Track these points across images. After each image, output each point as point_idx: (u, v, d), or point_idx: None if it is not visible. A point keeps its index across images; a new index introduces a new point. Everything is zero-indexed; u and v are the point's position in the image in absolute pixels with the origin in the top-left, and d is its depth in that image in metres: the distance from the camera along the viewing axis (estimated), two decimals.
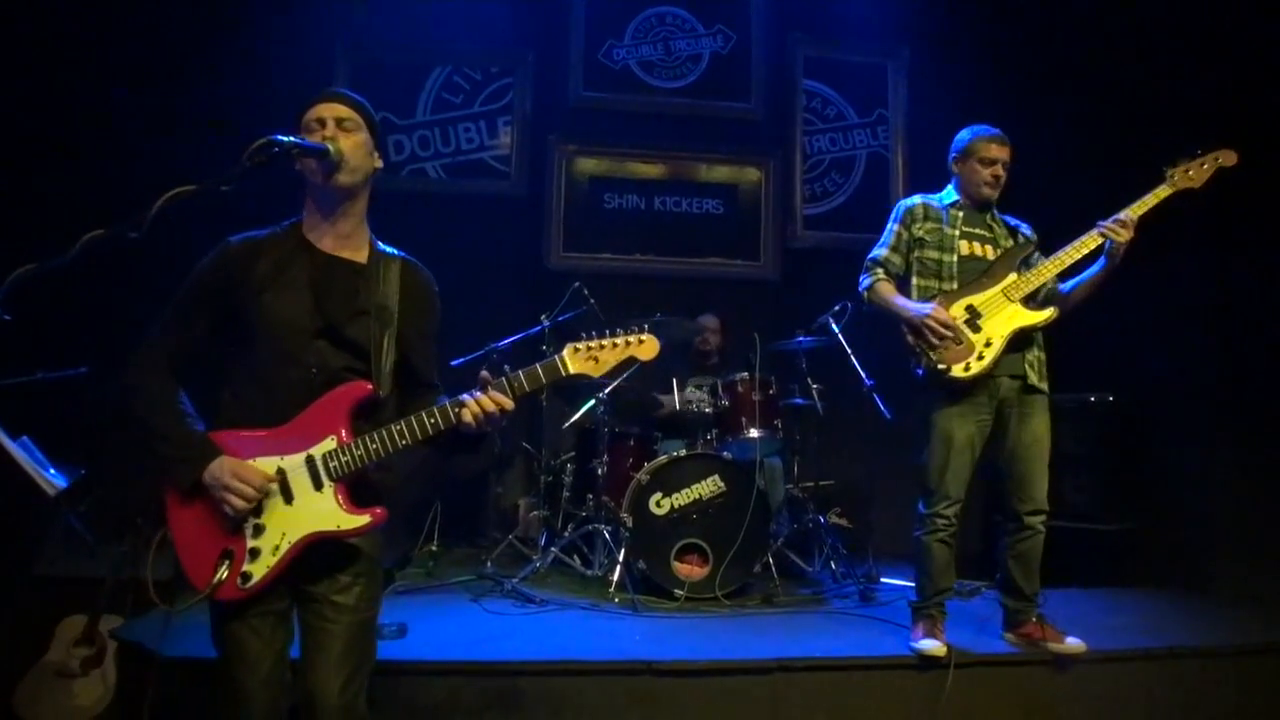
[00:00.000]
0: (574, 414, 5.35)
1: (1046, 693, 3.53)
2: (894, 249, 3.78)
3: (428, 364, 2.39)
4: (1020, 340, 3.58)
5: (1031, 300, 3.59)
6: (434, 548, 5.38)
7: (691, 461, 4.65)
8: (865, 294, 3.78)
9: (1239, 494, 4.91)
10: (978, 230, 3.73)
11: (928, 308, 3.54)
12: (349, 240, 2.28)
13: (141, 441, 2.14)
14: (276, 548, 2.10)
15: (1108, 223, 3.48)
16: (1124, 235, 3.45)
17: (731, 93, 6.81)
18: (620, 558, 4.56)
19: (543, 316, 5.27)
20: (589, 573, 4.91)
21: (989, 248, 3.70)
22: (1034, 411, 3.64)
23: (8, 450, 3.46)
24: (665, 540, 4.49)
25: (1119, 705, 3.56)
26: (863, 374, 4.88)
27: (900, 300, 3.66)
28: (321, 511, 2.12)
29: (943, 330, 3.49)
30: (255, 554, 2.09)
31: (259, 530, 2.11)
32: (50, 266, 1.81)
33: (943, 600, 3.69)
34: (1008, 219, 3.83)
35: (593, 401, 5.12)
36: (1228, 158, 3.51)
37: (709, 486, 4.58)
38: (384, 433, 2.13)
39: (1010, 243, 3.73)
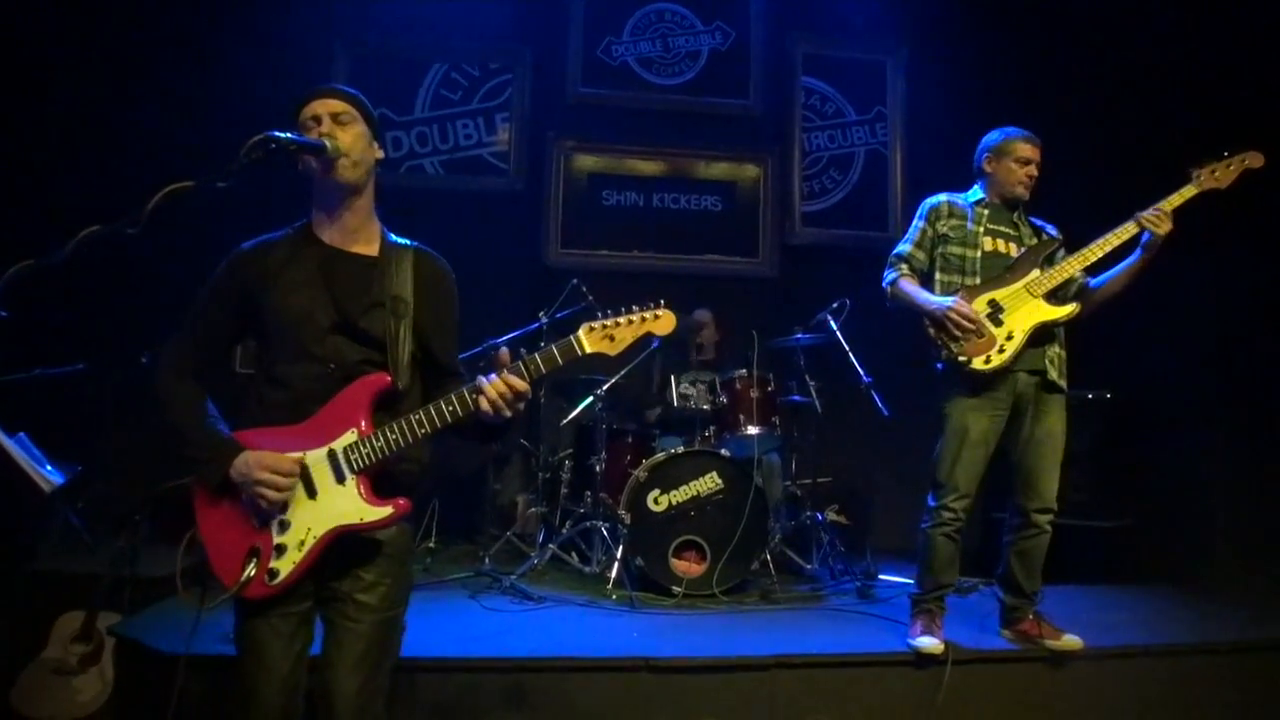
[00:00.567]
0: (572, 411, 5.35)
1: (1043, 689, 3.54)
2: (918, 245, 3.79)
3: (449, 352, 2.38)
4: (1042, 335, 3.58)
5: (1054, 296, 3.59)
6: (432, 544, 5.38)
7: (689, 458, 4.65)
8: (889, 288, 3.78)
9: (1235, 491, 4.93)
10: (1002, 228, 3.73)
11: (951, 300, 3.55)
12: (359, 234, 2.27)
13: (172, 447, 2.16)
14: (302, 543, 2.10)
15: (1147, 212, 3.46)
16: (1164, 226, 3.43)
17: (730, 90, 6.81)
18: (618, 554, 4.57)
19: (541, 313, 5.26)
20: (587, 569, 4.92)
21: (1012, 245, 3.71)
22: (1051, 409, 3.64)
23: (4, 447, 3.45)
24: (663, 537, 4.50)
25: (1115, 702, 3.56)
26: (861, 371, 4.88)
27: (923, 294, 3.67)
28: (345, 505, 2.11)
29: (965, 323, 3.50)
30: (281, 550, 2.10)
31: (284, 526, 2.11)
32: (47, 263, 1.81)
33: (943, 595, 3.69)
34: (1033, 220, 3.83)
35: (591, 398, 5.12)
36: (1254, 160, 3.47)
37: (707, 483, 4.58)
38: (403, 423, 2.12)
39: (1034, 241, 3.73)
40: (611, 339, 2.15)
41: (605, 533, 4.87)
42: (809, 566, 5.18)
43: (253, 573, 2.08)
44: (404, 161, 6.49)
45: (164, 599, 3.95)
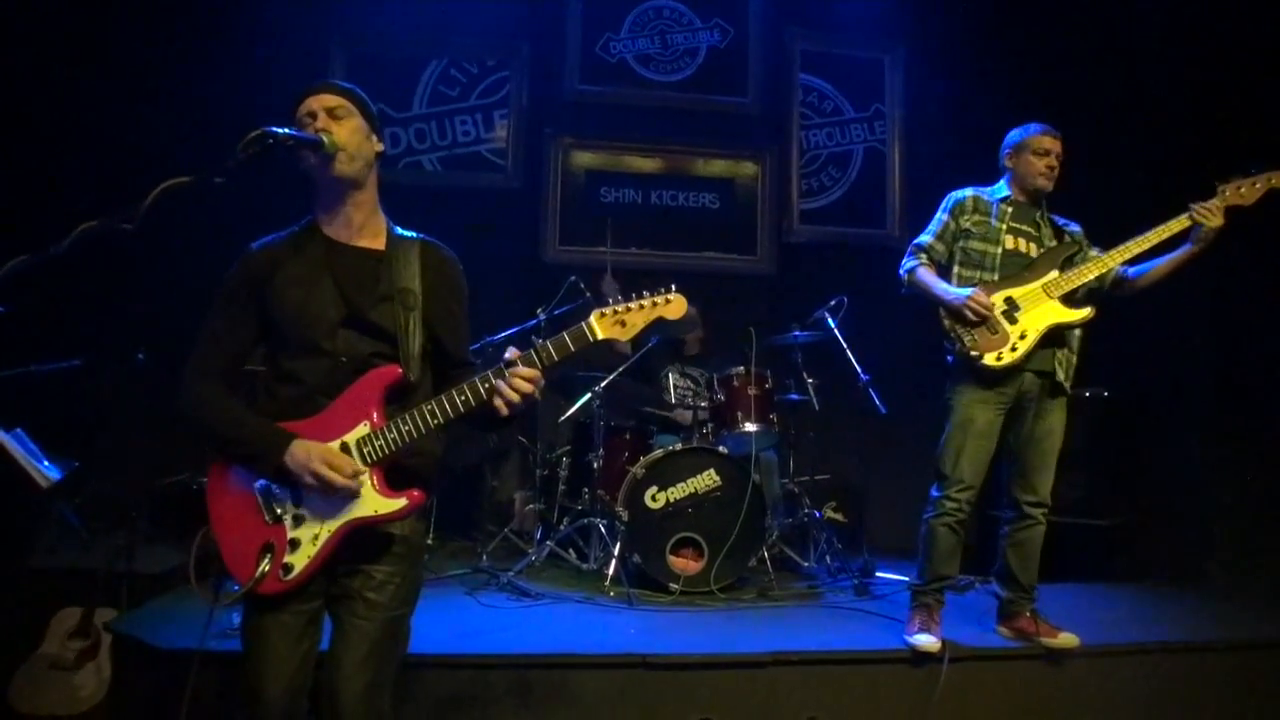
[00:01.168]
0: (570, 408, 5.35)
1: (1039, 687, 3.55)
2: (939, 237, 3.81)
3: (459, 343, 2.39)
4: (1054, 337, 3.61)
5: (1070, 299, 3.60)
6: (429, 541, 5.35)
7: (687, 456, 4.65)
8: (906, 276, 3.80)
9: (1232, 490, 4.93)
10: (1025, 227, 3.74)
11: (968, 291, 3.57)
12: (364, 228, 2.28)
13: (221, 451, 2.17)
14: (316, 537, 2.10)
15: (1200, 205, 3.45)
16: (1215, 220, 3.43)
17: (728, 87, 6.80)
18: (615, 551, 4.57)
19: (539, 310, 5.26)
20: (584, 566, 4.92)
21: (1033, 245, 3.72)
22: (1053, 409, 3.68)
23: (1, 443, 3.45)
24: (660, 534, 4.50)
25: (1112, 700, 3.57)
26: (858, 368, 4.89)
27: (941, 284, 3.69)
28: (360, 498, 2.11)
29: (982, 311, 3.52)
30: (295, 545, 2.10)
31: (299, 520, 2.11)
32: (44, 258, 1.81)
33: (942, 588, 3.70)
34: (1057, 219, 3.83)
35: (589, 395, 5.12)
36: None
37: (704, 481, 4.58)
38: (415, 413, 2.12)
39: (1055, 242, 3.73)
40: (623, 324, 2.15)
41: (603, 530, 4.87)
42: (806, 564, 5.18)
43: (267, 568, 2.08)
44: (402, 158, 6.48)
45: (162, 594, 3.95)
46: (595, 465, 4.98)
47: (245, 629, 2.17)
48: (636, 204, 6.69)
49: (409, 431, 2.11)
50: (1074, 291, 3.60)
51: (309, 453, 2.05)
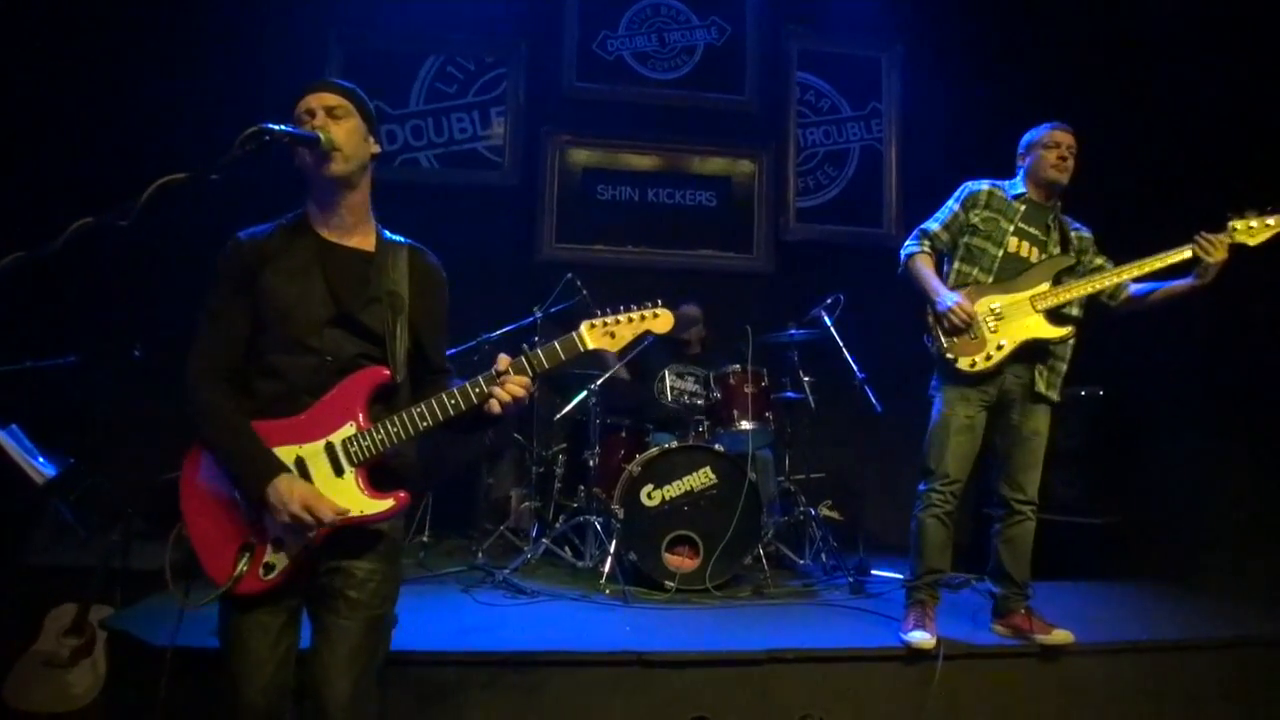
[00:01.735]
0: (566, 405, 5.35)
1: (1034, 684, 3.55)
2: (946, 227, 3.79)
3: (438, 349, 2.39)
4: (1033, 350, 3.62)
5: (1055, 314, 3.60)
6: (425, 538, 5.38)
7: (683, 453, 4.65)
8: (905, 259, 3.80)
9: (1225, 488, 4.94)
10: (1033, 229, 3.72)
11: (955, 298, 3.57)
12: (355, 229, 2.27)
13: (216, 460, 2.14)
14: (298, 537, 2.09)
15: (1204, 237, 3.44)
16: (1218, 255, 3.41)
17: (725, 85, 6.80)
18: (611, 549, 4.56)
19: (535, 308, 5.26)
20: (580, 564, 4.91)
21: (1036, 249, 3.70)
22: (1035, 413, 3.69)
23: None
24: (656, 532, 4.50)
25: (1105, 697, 3.58)
26: (855, 367, 4.89)
27: (934, 281, 3.69)
28: (343, 498, 2.11)
29: (961, 324, 3.54)
30: (279, 544, 2.09)
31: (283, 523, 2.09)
32: (38, 255, 1.80)
33: (935, 582, 3.71)
34: (1071, 223, 3.81)
35: (584, 393, 5.12)
36: None
37: (700, 478, 4.58)
38: (404, 416, 2.14)
39: (1059, 250, 3.71)
40: (612, 335, 2.23)
41: (598, 527, 4.87)
42: (802, 562, 5.19)
43: (245, 569, 2.07)
44: (398, 155, 6.48)
45: (157, 592, 3.95)
46: (591, 463, 4.98)
47: (222, 629, 2.15)
48: (633, 202, 6.69)
49: (398, 433, 2.13)
50: (1061, 305, 3.60)
51: (292, 492, 2.03)
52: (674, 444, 4.72)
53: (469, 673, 3.23)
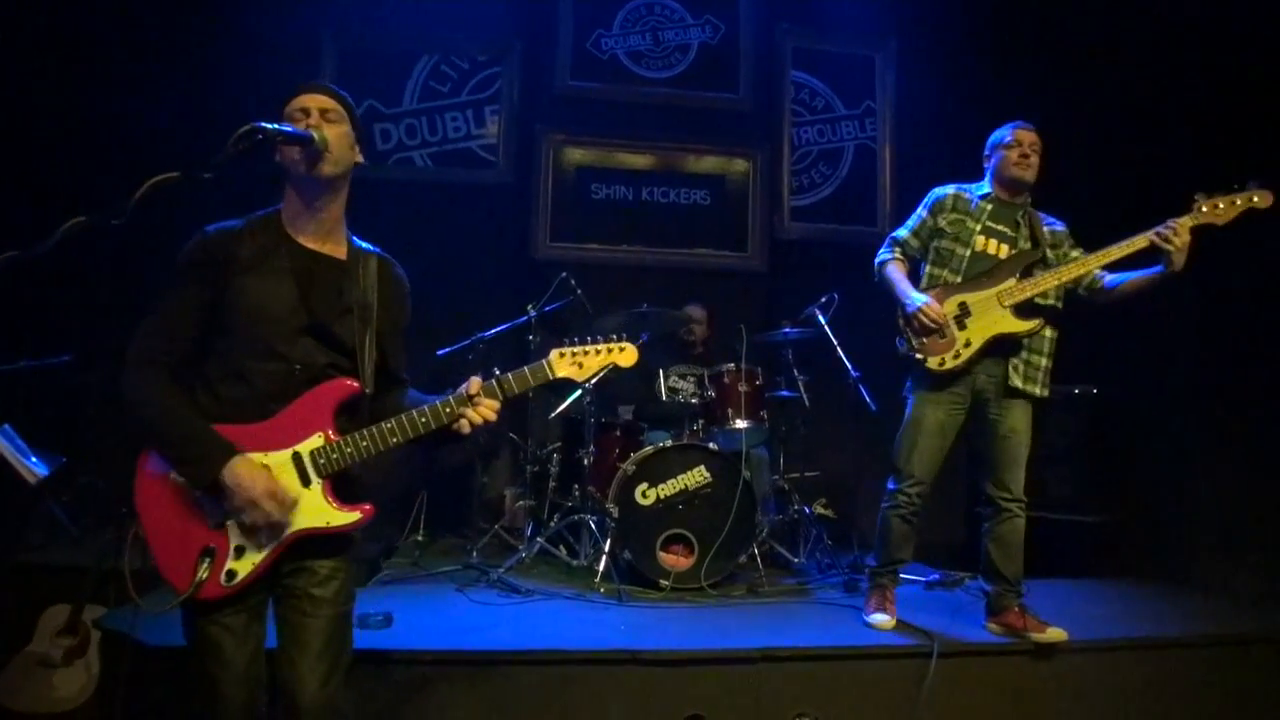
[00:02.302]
0: (560, 404, 5.35)
1: (1028, 682, 3.56)
2: (915, 233, 3.91)
3: (399, 359, 2.40)
4: (1003, 345, 3.67)
5: (1022, 308, 3.64)
6: (420, 538, 5.37)
7: (678, 452, 4.65)
8: (878, 267, 3.91)
9: (1219, 487, 4.95)
10: (1001, 227, 3.78)
11: (922, 299, 3.65)
12: (329, 236, 2.26)
13: (153, 448, 2.10)
14: (262, 545, 2.09)
15: (1163, 228, 3.43)
16: (1177, 243, 3.40)
17: (719, 83, 6.80)
18: (606, 548, 4.56)
19: (529, 306, 5.27)
20: (575, 563, 4.91)
21: (1005, 246, 3.75)
22: (1012, 410, 3.73)
23: None
24: (651, 530, 4.50)
25: (1099, 694, 3.59)
26: (849, 365, 4.90)
27: (903, 285, 3.78)
28: (310, 508, 2.11)
29: (929, 325, 3.61)
30: (241, 551, 2.08)
31: (245, 526, 2.07)
32: (31, 254, 1.80)
33: (896, 570, 3.94)
34: (1043, 218, 3.84)
35: (579, 392, 5.12)
36: (1263, 199, 3.43)
37: (695, 477, 4.58)
38: (374, 431, 2.15)
39: (1028, 245, 3.76)
40: (580, 366, 2.32)
41: (593, 526, 4.87)
42: (796, 560, 5.19)
43: (205, 575, 2.04)
44: (392, 154, 6.47)
45: (150, 592, 3.94)
46: (586, 461, 4.98)
47: (188, 631, 2.13)
48: (628, 201, 6.68)
49: (368, 447, 2.15)
50: (1029, 300, 3.64)
51: (255, 478, 2.02)
52: (669, 443, 4.72)
53: (463, 671, 3.23)
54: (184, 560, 2.06)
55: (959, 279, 3.73)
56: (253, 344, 2.12)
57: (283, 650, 2.17)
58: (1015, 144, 3.75)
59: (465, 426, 2.20)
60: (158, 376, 2.07)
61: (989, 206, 3.80)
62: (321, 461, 2.12)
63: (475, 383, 2.21)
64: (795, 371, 5.23)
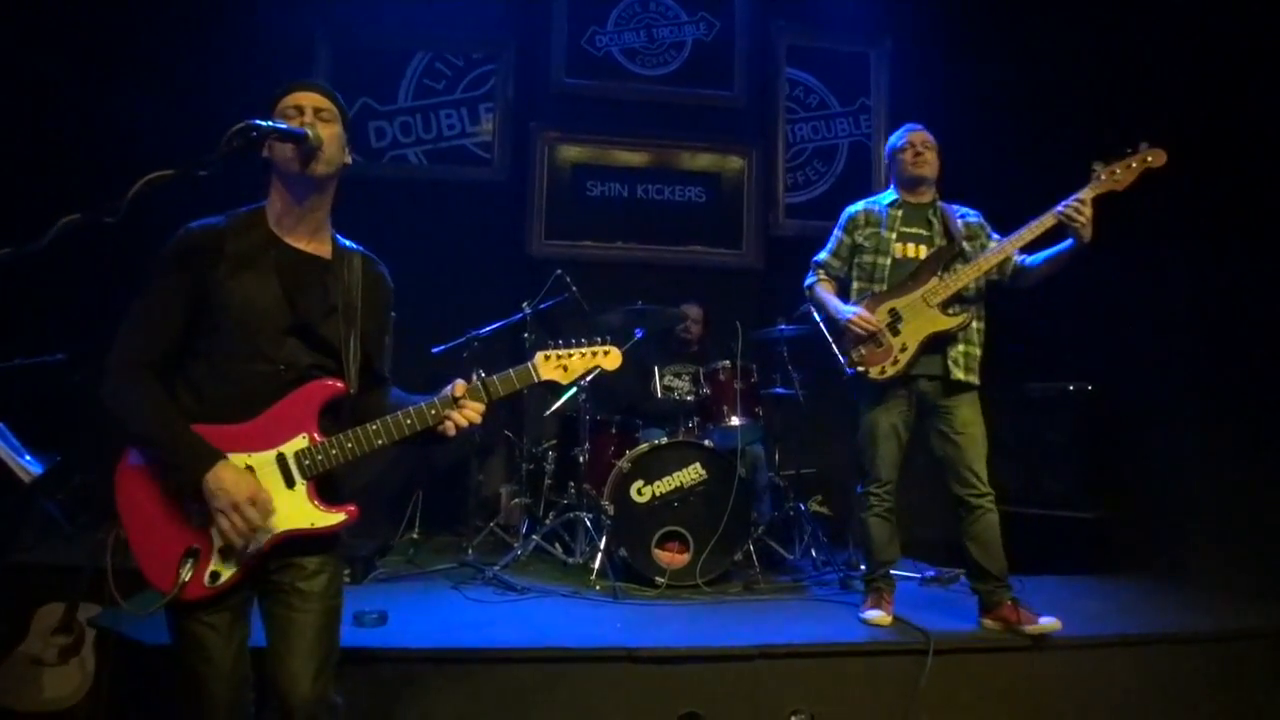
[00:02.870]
0: (556, 401, 5.34)
1: (1024, 678, 3.56)
2: (835, 254, 4.07)
3: (382, 358, 2.40)
4: (938, 343, 3.75)
5: (949, 304, 3.73)
6: (415, 535, 5.37)
7: (673, 449, 4.65)
8: (807, 290, 4.10)
9: (1216, 482, 4.96)
10: (914, 229, 3.90)
11: (852, 310, 3.80)
12: (315, 235, 2.25)
13: (138, 450, 2.09)
14: (246, 547, 2.06)
15: (1067, 207, 3.50)
16: (1081, 218, 3.47)
17: (714, 81, 6.80)
18: (601, 545, 4.57)
19: (524, 304, 5.26)
20: (570, 560, 4.92)
21: (923, 248, 3.88)
22: (958, 405, 3.79)
23: None
24: (646, 528, 4.50)
25: (1095, 691, 3.59)
26: (843, 362, 4.89)
27: (833, 301, 3.94)
28: (294, 509, 2.11)
29: (863, 330, 3.73)
30: (225, 552, 2.05)
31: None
32: (25, 251, 1.79)
33: (887, 572, 3.95)
34: (954, 209, 3.94)
35: (573, 390, 5.11)
36: (1157, 158, 3.49)
37: (690, 474, 4.58)
38: (360, 432, 2.15)
39: (944, 241, 3.86)
40: (565, 369, 2.32)
41: (589, 524, 4.88)
42: (792, 557, 5.20)
43: (188, 576, 2.03)
44: (387, 152, 6.47)
45: (145, 590, 3.93)
46: (581, 459, 4.98)
47: (173, 630, 2.12)
48: (623, 198, 6.68)
49: (352, 449, 2.14)
50: (956, 295, 3.72)
51: (239, 483, 2.01)
52: (664, 440, 4.73)
53: (459, 669, 3.23)
54: (167, 561, 2.04)
55: (885, 287, 3.84)
56: (237, 344, 2.10)
57: (272, 647, 2.16)
58: (908, 145, 3.92)
59: (450, 429, 2.21)
60: (140, 378, 2.05)
61: (899, 213, 3.93)
62: (306, 463, 2.12)
63: (460, 385, 2.21)
64: (790, 369, 5.23)
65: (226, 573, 2.06)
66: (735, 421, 4.90)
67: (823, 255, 4.08)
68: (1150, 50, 5.49)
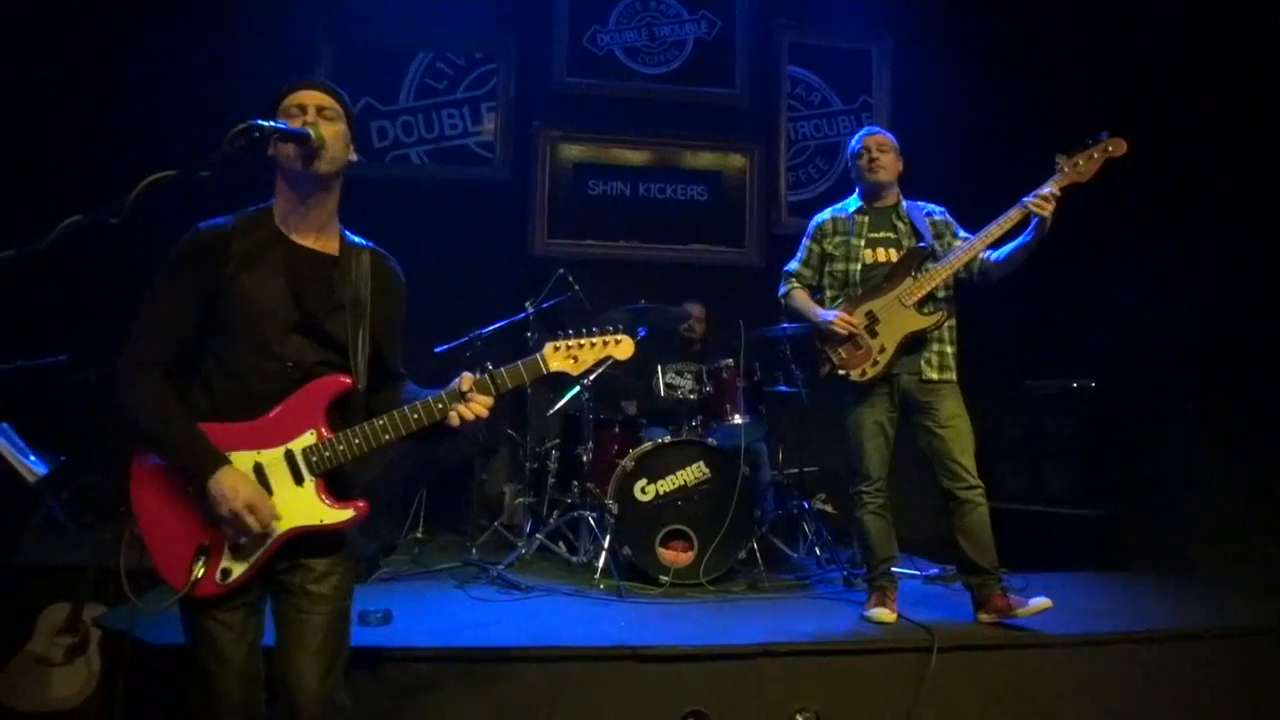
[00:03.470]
0: (559, 400, 5.34)
1: (1029, 674, 3.56)
2: (805, 263, 4.10)
3: (395, 354, 2.40)
4: (915, 342, 3.78)
5: (924, 303, 3.76)
6: (419, 535, 5.38)
7: (676, 448, 4.66)
8: (782, 299, 4.12)
9: (1218, 479, 4.95)
10: (882, 233, 3.94)
11: (832, 313, 3.83)
12: (322, 232, 2.25)
13: (144, 446, 2.10)
14: (256, 543, 2.07)
15: (1035, 199, 3.51)
16: (1048, 209, 3.50)
17: (716, 79, 6.81)
18: (605, 544, 4.56)
19: (527, 303, 5.26)
20: (574, 559, 4.92)
21: (893, 251, 3.90)
22: (940, 400, 3.80)
23: None
24: (650, 526, 4.50)
25: (1097, 688, 3.58)
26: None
27: (811, 307, 3.97)
28: (303, 506, 2.11)
29: (844, 331, 3.76)
30: (236, 549, 2.07)
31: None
32: (28, 253, 1.79)
33: (888, 569, 3.94)
34: (918, 207, 3.97)
35: (577, 388, 5.12)
36: (1117, 148, 3.49)
37: (694, 473, 4.58)
38: (367, 428, 2.14)
39: (911, 242, 3.88)
40: (575, 359, 2.28)
41: (592, 522, 4.87)
42: (795, 555, 5.20)
43: (201, 573, 2.04)
44: (389, 151, 6.47)
45: (150, 590, 3.94)
46: (585, 458, 4.97)
47: (186, 627, 2.13)
48: (624, 196, 6.69)
49: (361, 445, 2.14)
50: (931, 294, 3.75)
51: (237, 489, 2.00)
52: (667, 439, 4.73)
53: (463, 668, 3.23)
54: (179, 558, 2.06)
55: (860, 291, 3.87)
56: (246, 342, 2.11)
57: (281, 647, 2.16)
58: (863, 151, 3.96)
59: (456, 422, 2.19)
60: (148, 379, 2.06)
61: (864, 219, 3.97)
62: (314, 459, 2.12)
63: (467, 378, 2.20)
64: (793, 366, 5.23)
65: (238, 570, 2.07)
66: (738, 420, 4.89)
67: (794, 265, 4.11)
68: (1159, 45, 5.48)
